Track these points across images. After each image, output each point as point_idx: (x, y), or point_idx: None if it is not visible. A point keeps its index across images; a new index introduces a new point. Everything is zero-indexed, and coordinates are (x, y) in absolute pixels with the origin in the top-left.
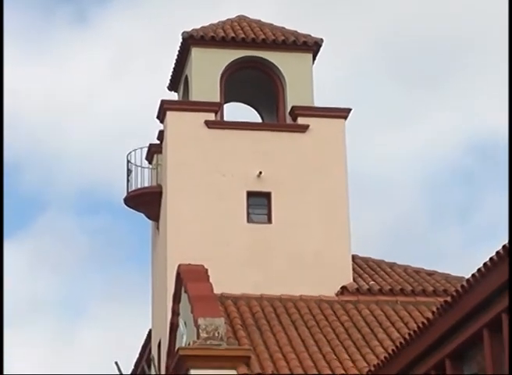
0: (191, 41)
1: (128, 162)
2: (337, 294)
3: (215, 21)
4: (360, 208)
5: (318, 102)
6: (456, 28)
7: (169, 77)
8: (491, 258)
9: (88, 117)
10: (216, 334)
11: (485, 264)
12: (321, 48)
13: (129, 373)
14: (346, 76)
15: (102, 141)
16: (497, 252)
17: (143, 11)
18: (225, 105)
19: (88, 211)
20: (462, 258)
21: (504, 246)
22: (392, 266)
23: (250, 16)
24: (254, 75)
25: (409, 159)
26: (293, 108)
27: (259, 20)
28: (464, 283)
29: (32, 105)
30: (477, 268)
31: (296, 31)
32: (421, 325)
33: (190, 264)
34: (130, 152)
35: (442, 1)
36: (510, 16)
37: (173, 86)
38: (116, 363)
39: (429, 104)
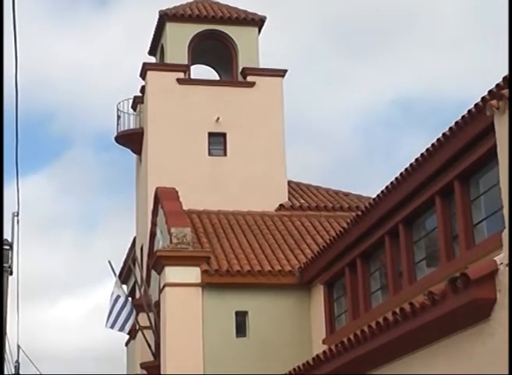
0: (166, 17)
1: (118, 109)
2: (276, 210)
3: (185, 2)
4: (303, 146)
5: (270, 65)
6: (386, 9)
7: (149, 45)
8: (391, 182)
9: (106, 77)
10: (184, 240)
11: (386, 187)
12: (265, 23)
13: (119, 269)
14: (297, 45)
15: (114, 95)
16: (396, 178)
17: None
18: (192, 67)
19: (103, 148)
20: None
21: (396, 177)
22: (318, 188)
23: None
24: (213, 43)
25: (345, 109)
26: (243, 69)
27: (218, 2)
28: (371, 201)
29: (64, 67)
30: (380, 190)
31: (246, 10)
32: (338, 232)
33: (164, 187)
34: (119, 102)
35: None
36: (510, 15)
37: (152, 52)
38: (109, 262)
39: (363, 68)
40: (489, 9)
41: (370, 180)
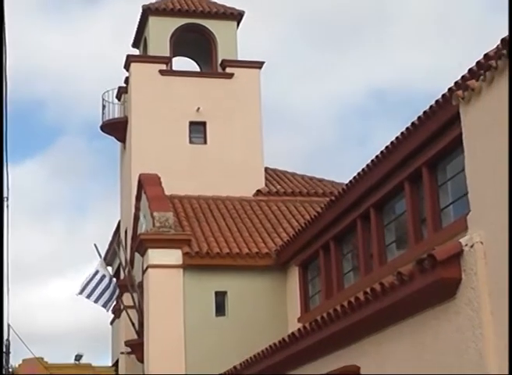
0: (149, 11)
1: (103, 99)
2: (254, 195)
3: None
4: (282, 134)
5: (251, 58)
6: (361, 5)
7: (133, 38)
8: (363, 169)
9: (96, 68)
10: (167, 224)
11: (358, 173)
12: (244, 17)
13: (105, 251)
14: (277, 39)
15: (105, 85)
16: (367, 164)
17: None
18: (174, 59)
19: (93, 136)
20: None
21: (367, 164)
22: (293, 175)
23: None
24: (194, 36)
25: (322, 100)
26: (222, 61)
27: None
28: (344, 186)
29: (57, 59)
30: (353, 176)
31: (224, 5)
32: (313, 216)
33: (147, 173)
34: (104, 93)
35: None
36: (510, 15)
37: (136, 44)
38: (95, 245)
39: (339, 60)
40: (461, 6)
41: (345, 167)
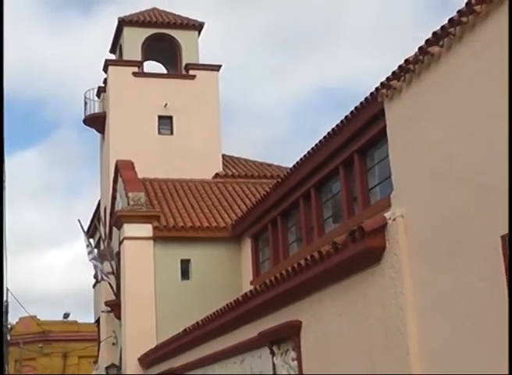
0: (123, 23)
1: (85, 97)
2: (213, 178)
3: (139, 11)
4: (244, 125)
5: (221, 61)
6: (317, 14)
7: (110, 45)
8: (304, 155)
9: (87, 70)
10: (139, 202)
11: (300, 158)
12: (204, 28)
13: (87, 226)
14: (243, 45)
15: (95, 84)
16: (308, 151)
17: (125, 3)
18: (145, 63)
19: (85, 129)
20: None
21: (308, 151)
22: (246, 160)
23: (161, 8)
24: (162, 44)
25: (279, 97)
26: (186, 64)
27: (164, 10)
28: (289, 170)
29: (54, 62)
30: (296, 161)
31: (188, 17)
32: (263, 196)
33: (123, 159)
34: (86, 91)
35: None
36: (510, 16)
37: (113, 50)
38: (79, 220)
39: (295, 62)
40: (398, 19)
41: (298, 154)
